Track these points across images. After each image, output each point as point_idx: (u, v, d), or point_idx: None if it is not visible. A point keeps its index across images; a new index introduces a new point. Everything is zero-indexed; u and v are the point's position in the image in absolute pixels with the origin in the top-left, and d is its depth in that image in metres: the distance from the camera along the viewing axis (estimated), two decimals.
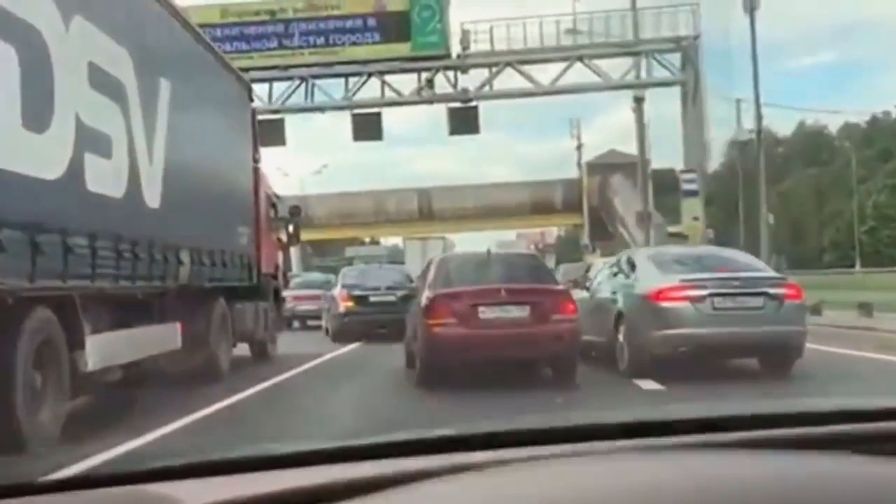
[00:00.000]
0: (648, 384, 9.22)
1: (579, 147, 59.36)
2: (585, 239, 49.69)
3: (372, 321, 16.93)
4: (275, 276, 14.57)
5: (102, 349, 7.14)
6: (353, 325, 17.26)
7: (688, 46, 31.86)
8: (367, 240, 57.24)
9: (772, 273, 10.91)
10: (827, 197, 53.41)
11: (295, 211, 16.13)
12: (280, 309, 15.35)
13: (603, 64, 32.34)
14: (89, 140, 6.84)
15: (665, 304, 9.63)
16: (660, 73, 32.66)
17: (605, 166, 51.01)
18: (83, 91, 6.84)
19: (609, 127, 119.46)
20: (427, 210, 48.78)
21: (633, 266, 10.83)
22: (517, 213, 49.39)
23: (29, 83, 5.97)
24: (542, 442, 1.25)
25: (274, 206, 14.77)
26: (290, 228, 15.81)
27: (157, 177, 8.41)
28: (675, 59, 32.47)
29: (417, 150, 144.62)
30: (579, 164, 56.89)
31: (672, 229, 36.75)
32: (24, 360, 6.03)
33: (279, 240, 15.35)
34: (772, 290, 9.77)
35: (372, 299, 17.59)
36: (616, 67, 33.12)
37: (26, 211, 5.89)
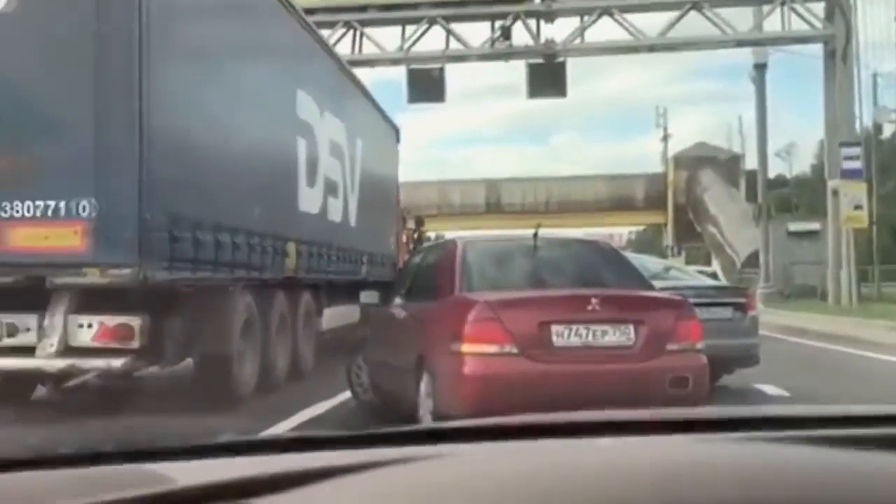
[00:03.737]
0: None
1: (665, 138, 55.08)
2: (669, 240, 46.10)
3: None
4: None
5: (328, 317, 11.43)
6: None
7: None
8: (432, 235, 56.61)
9: (728, 283, 10.74)
10: None
11: (419, 221, 20.54)
12: None
13: (725, 13, 25.80)
14: (329, 188, 11.12)
15: None
16: (796, 28, 26.03)
17: (694, 160, 45.76)
18: (327, 157, 11.13)
19: (684, 125, 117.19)
20: (495, 203, 46.02)
21: None
22: (593, 209, 45.59)
23: (307, 158, 10.24)
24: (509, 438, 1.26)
25: (404, 218, 19.08)
26: (416, 235, 20.20)
27: (354, 205, 12.69)
28: (816, 10, 26.08)
29: (481, 148, 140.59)
30: (664, 157, 51.61)
31: (794, 227, 32.67)
32: (301, 320, 10.30)
33: (406, 244, 19.70)
34: (737, 301, 9.46)
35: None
36: (739, 18, 26.84)
37: (306, 233, 10.17)
